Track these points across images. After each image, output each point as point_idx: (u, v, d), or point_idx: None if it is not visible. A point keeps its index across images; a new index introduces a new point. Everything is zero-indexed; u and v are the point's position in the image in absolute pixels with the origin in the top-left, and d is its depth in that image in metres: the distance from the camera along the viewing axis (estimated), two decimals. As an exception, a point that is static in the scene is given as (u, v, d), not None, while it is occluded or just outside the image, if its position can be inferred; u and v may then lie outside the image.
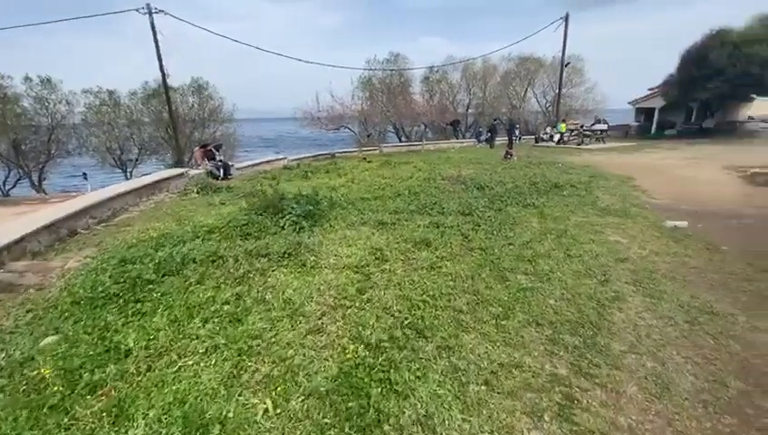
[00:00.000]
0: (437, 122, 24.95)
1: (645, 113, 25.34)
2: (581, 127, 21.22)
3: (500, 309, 3.23)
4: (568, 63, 23.68)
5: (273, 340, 2.83)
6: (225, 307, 3.30)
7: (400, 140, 28.39)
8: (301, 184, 10.38)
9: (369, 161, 15.15)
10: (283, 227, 5.85)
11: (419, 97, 29.62)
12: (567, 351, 2.66)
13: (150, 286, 3.61)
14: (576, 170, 10.56)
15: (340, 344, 2.78)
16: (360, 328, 2.96)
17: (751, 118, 22.17)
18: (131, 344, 2.76)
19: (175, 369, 2.51)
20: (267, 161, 15.37)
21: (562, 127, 20.47)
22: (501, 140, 21.05)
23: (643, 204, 6.83)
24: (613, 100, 31.17)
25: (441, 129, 28.88)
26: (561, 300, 3.38)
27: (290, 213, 6.28)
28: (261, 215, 6.22)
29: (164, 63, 14.71)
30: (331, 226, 5.98)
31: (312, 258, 4.36)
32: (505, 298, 3.42)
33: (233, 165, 13.92)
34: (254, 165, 14.72)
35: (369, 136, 18.13)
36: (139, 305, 3.30)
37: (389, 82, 28.39)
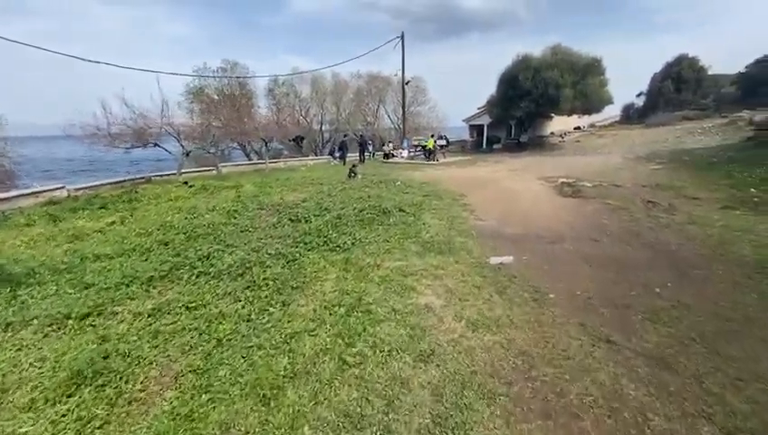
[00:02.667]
0: (278, 138, 22.60)
1: (476, 129, 28.10)
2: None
3: None
4: (408, 82, 24.43)
5: None
6: None
7: (249, 158, 24.99)
8: (37, 232, 6.78)
9: (190, 186, 11.75)
10: None
11: (266, 111, 26.75)
12: None
13: None
14: (413, 189, 9.59)
15: None
16: None
17: (552, 133, 26.65)
18: None
19: None
20: (30, 193, 10.21)
21: (430, 142, 20.39)
22: (353, 156, 20.13)
23: (469, 230, 5.80)
24: (452, 118, 34.10)
25: (297, 146, 26.65)
26: None
27: None
28: None
29: None
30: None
31: None
32: None
33: (-64, 206, 8.84)
34: (-6, 202, 9.53)
35: (187, 154, 14.45)
36: None
37: (229, 93, 24.67)
